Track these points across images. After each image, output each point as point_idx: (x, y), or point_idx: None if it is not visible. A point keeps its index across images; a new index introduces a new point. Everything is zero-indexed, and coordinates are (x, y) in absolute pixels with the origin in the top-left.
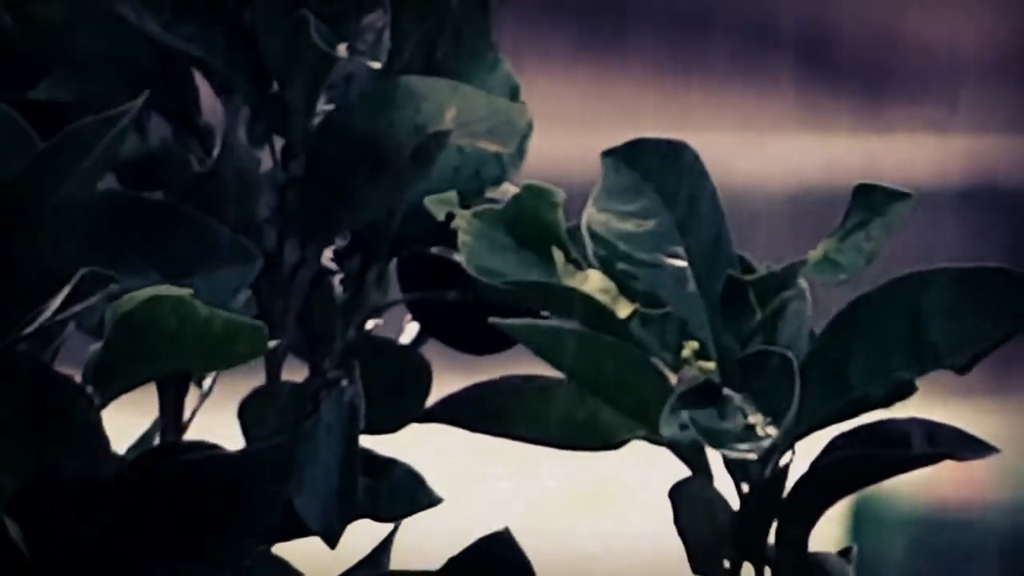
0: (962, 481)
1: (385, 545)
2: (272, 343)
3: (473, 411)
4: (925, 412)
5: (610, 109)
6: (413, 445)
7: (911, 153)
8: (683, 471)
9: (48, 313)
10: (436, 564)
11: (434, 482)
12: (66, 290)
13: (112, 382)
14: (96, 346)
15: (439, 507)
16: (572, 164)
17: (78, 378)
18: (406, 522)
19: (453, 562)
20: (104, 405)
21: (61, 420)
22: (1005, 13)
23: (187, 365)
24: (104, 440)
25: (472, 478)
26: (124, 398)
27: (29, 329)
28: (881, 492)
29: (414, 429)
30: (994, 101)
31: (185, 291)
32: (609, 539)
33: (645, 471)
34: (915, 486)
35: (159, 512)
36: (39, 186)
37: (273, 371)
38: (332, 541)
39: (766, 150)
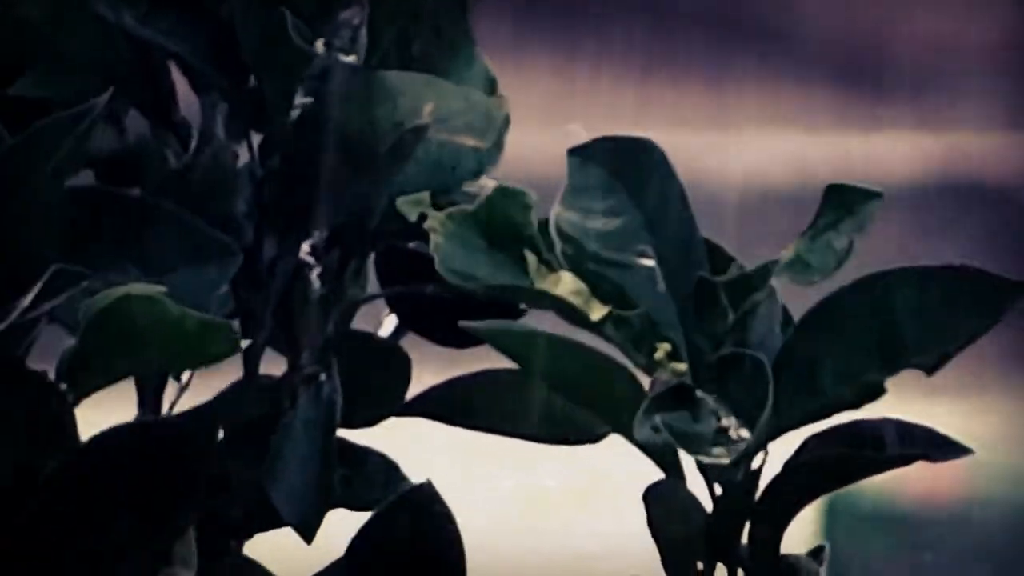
0: (935, 477)
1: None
2: (245, 342)
3: (452, 405)
4: (900, 411)
5: (579, 105)
6: (412, 443)
7: (889, 150)
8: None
9: (20, 310)
10: None
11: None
12: (38, 286)
13: (86, 379)
14: (70, 343)
15: None
16: (541, 161)
17: (52, 374)
18: None
19: (377, 517)
20: (77, 402)
21: (34, 416)
22: (986, 8)
23: (160, 364)
24: (77, 437)
25: (470, 477)
26: (106, 392)
27: (0, 326)
28: (853, 488)
29: (411, 430)
30: (972, 97)
31: (157, 289)
32: (607, 537)
33: (644, 469)
34: (888, 482)
35: (112, 494)
36: (7, 182)
37: (251, 365)
38: (307, 535)
39: (739, 147)
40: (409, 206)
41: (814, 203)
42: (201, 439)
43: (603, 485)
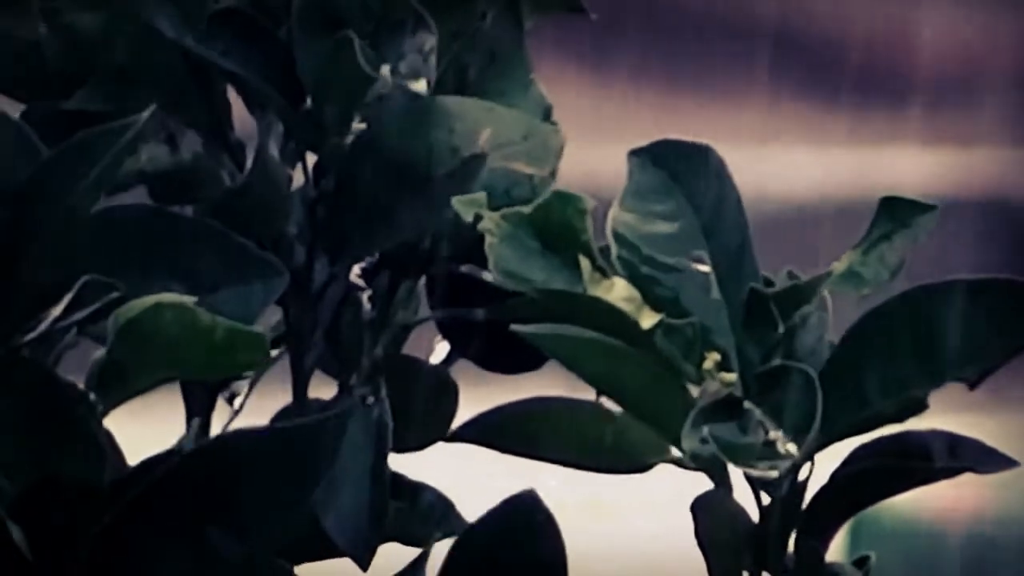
0: (958, 493)
1: (418, 563)
2: (273, 352)
3: (500, 432)
4: (924, 424)
5: (604, 121)
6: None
7: (911, 165)
8: (687, 473)
9: (50, 319)
10: (438, 564)
11: (436, 483)
12: (68, 297)
13: (115, 389)
14: (99, 353)
15: None
16: (567, 176)
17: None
18: None
19: (479, 525)
20: (107, 412)
21: (62, 425)
22: (1008, 24)
23: (189, 373)
24: (104, 445)
25: (472, 477)
26: (157, 410)
27: (31, 335)
28: (880, 503)
29: None
30: (995, 113)
31: (187, 299)
32: (609, 539)
33: (649, 473)
34: (911, 498)
35: (161, 515)
36: (44, 194)
37: (300, 388)
38: (363, 561)
39: (765, 162)
40: (464, 206)
41: (835, 217)
42: (328, 444)
43: (606, 488)
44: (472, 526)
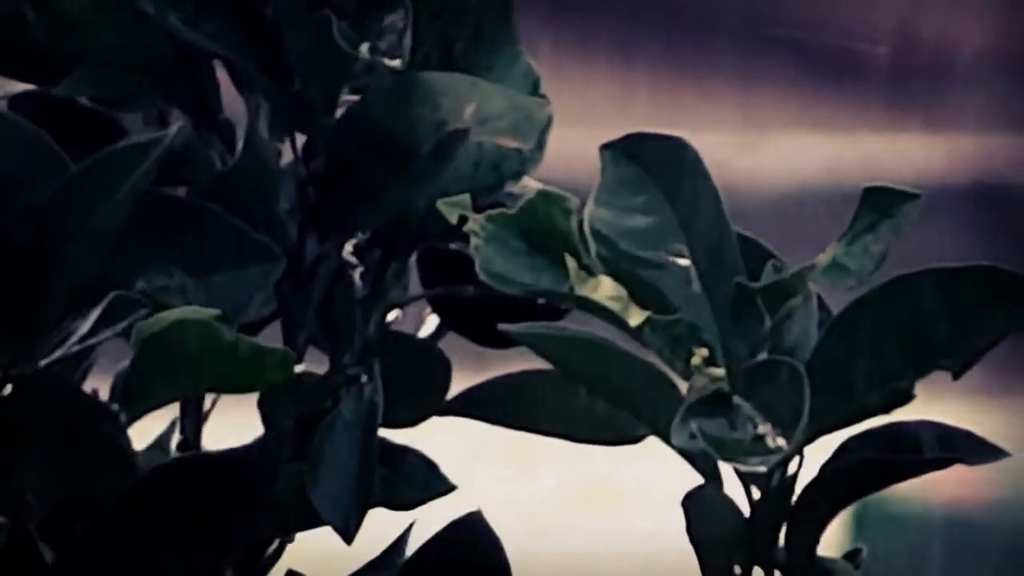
0: (964, 480)
1: (399, 544)
2: (298, 368)
3: (492, 405)
4: (929, 411)
5: (607, 107)
6: (413, 446)
7: (912, 152)
8: (684, 471)
9: (76, 337)
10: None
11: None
12: (95, 313)
13: (138, 402)
14: (123, 365)
15: (441, 508)
16: (567, 162)
17: (105, 389)
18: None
19: (425, 548)
20: (131, 423)
21: (90, 442)
22: (1007, 11)
23: (213, 387)
24: (133, 462)
25: (472, 479)
26: None
27: (58, 354)
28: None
29: (414, 430)
30: (996, 100)
31: (210, 312)
32: (609, 539)
33: (646, 471)
34: (917, 483)
35: (172, 524)
36: (71, 211)
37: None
38: (348, 537)
39: (765, 149)
40: (449, 208)
41: (834, 202)
42: (263, 473)
43: (605, 488)
44: (418, 551)
